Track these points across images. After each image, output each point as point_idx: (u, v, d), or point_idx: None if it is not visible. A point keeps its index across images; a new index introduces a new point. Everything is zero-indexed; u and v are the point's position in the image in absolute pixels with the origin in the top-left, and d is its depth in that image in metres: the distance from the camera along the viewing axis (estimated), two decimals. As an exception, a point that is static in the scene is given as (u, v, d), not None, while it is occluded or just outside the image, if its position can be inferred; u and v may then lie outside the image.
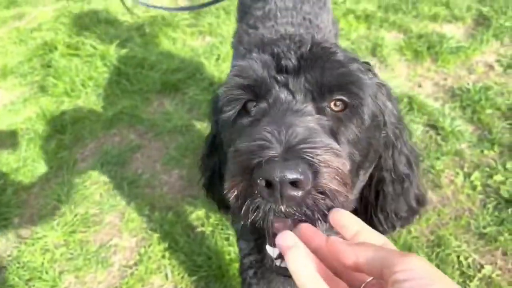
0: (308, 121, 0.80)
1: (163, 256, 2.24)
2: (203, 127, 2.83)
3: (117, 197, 2.54)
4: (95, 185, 2.63)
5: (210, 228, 2.29)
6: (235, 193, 0.72)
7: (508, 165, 2.35)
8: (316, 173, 0.69)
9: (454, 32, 3.29)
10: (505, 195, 2.22)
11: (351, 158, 0.88)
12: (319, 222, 0.71)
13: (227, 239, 2.23)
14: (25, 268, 2.29)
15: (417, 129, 2.59)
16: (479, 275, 1.99)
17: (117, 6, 4.10)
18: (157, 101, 3.11)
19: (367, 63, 1.02)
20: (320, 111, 0.87)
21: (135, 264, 2.24)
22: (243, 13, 1.79)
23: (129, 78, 3.25)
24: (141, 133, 2.91)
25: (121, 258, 2.28)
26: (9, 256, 2.35)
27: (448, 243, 2.09)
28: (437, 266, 2.02)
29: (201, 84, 3.12)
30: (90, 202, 2.55)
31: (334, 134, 0.85)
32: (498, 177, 2.31)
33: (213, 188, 1.22)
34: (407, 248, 2.09)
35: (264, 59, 0.89)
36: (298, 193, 0.68)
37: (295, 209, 0.69)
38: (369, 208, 1.11)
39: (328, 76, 0.87)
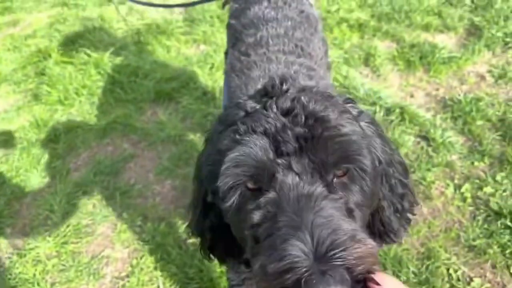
0: (324, 210, 0.80)
1: (155, 268, 2.24)
2: (196, 137, 2.84)
3: (110, 208, 2.55)
4: (87, 195, 2.63)
5: (202, 240, 2.30)
6: None
7: (498, 177, 2.38)
8: (353, 271, 0.71)
9: (446, 42, 3.31)
10: (495, 207, 2.24)
11: (364, 216, 0.91)
12: None
13: (219, 250, 2.24)
14: (16, 280, 2.29)
15: (409, 140, 2.61)
16: (468, 288, 2.01)
17: (112, 13, 4.11)
18: (151, 110, 3.12)
19: (349, 99, 1.04)
20: (329, 186, 0.86)
21: (127, 275, 2.25)
22: (235, 39, 1.80)
23: (123, 87, 3.26)
24: (134, 143, 2.92)
25: (113, 270, 2.29)
26: (0, 267, 2.35)
27: (438, 255, 2.10)
28: (427, 279, 2.04)
29: (195, 94, 3.13)
30: (82, 213, 2.55)
31: (349, 210, 0.87)
32: (488, 189, 2.33)
33: (216, 248, 1.17)
34: (398, 261, 2.10)
35: (262, 145, 0.86)
36: None
37: None
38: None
39: (331, 153, 0.86)
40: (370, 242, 0.77)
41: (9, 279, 2.29)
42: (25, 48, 3.87)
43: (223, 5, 2.36)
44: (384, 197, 1.05)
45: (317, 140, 0.86)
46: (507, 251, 2.08)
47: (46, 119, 3.14)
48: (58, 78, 3.38)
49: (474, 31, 3.37)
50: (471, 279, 2.04)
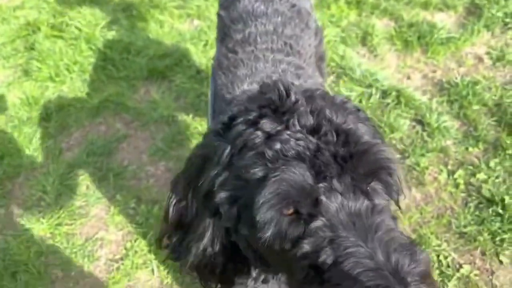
0: (380, 225, 0.83)
1: (149, 251, 2.26)
2: (189, 118, 2.80)
3: (103, 189, 2.54)
4: (81, 176, 2.62)
5: (196, 223, 2.31)
6: None
7: (492, 164, 2.38)
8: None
9: (446, 21, 3.25)
10: (487, 194, 2.26)
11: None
12: None
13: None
14: (11, 261, 2.30)
15: (404, 124, 2.60)
16: (458, 274, 2.05)
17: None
18: (144, 88, 3.07)
19: (357, 108, 1.03)
20: (367, 195, 0.87)
21: (121, 258, 2.27)
22: (223, 33, 1.74)
23: (115, 64, 3.19)
24: (127, 122, 2.88)
25: (108, 252, 2.31)
26: (-5, 248, 2.36)
27: (429, 242, 2.13)
28: (417, 265, 2.07)
29: (188, 72, 3.07)
30: (76, 194, 2.54)
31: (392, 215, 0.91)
32: (481, 176, 2.34)
33: (226, 272, 1.12)
34: (389, 247, 2.13)
35: (300, 171, 0.83)
36: None
37: None
38: None
39: (367, 166, 0.87)
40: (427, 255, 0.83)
41: (4, 260, 2.30)
42: (14, 20, 3.74)
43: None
44: None
45: (356, 157, 0.85)
46: (497, 239, 2.12)
47: (37, 96, 3.08)
48: (48, 53, 3.29)
49: (474, 10, 3.30)
50: (461, 266, 2.07)
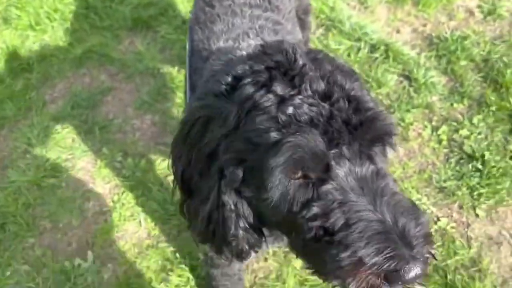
0: (385, 189, 0.88)
1: (137, 203, 2.30)
2: (175, 70, 2.76)
3: (89, 142, 2.54)
4: (66, 129, 2.60)
5: (182, 177, 2.33)
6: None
7: (475, 120, 2.41)
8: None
9: (439, -28, 3.16)
10: (468, 150, 2.30)
11: None
12: None
13: (199, 188, 2.29)
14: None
15: (391, 79, 2.59)
16: (435, 227, 2.13)
17: None
18: (128, 39, 2.98)
19: (353, 70, 1.04)
20: (372, 160, 0.91)
21: (109, 211, 2.30)
22: None
23: (98, 12, 3.08)
24: (111, 74, 2.83)
25: (95, 205, 2.33)
26: (-18, 200, 2.38)
27: (410, 196, 2.18)
28: (397, 218, 2.14)
29: (174, 22, 2.98)
30: (61, 147, 2.54)
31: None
32: (464, 132, 2.37)
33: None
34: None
35: (313, 136, 0.84)
36: None
37: None
38: None
39: (376, 134, 0.90)
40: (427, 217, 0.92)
41: (-8, 212, 2.33)
42: (-11, -38, 3.55)
43: None
44: None
45: (366, 124, 0.88)
46: (475, 193, 2.18)
47: (18, 45, 2.99)
48: (28, 0, 3.16)
49: (468, -39, 3.21)
50: (438, 219, 2.15)
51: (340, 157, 0.87)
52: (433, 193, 2.22)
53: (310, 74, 0.89)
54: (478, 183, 2.20)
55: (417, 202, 2.14)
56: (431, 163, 2.31)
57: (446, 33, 2.78)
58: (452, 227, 2.12)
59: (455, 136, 2.38)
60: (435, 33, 2.81)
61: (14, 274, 2.13)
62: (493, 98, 2.45)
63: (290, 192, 0.89)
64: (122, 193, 2.33)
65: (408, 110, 2.47)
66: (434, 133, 2.40)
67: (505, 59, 2.62)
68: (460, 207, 2.17)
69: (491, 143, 2.31)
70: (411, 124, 2.43)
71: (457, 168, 2.27)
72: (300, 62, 0.90)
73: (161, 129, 2.55)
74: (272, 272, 2.03)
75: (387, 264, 0.80)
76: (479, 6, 2.94)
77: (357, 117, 0.87)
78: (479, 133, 2.36)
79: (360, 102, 0.89)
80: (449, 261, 2.00)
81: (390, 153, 1.06)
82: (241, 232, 1.01)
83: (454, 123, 2.42)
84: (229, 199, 0.97)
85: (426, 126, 2.43)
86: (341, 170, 0.87)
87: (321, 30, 2.88)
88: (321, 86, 0.88)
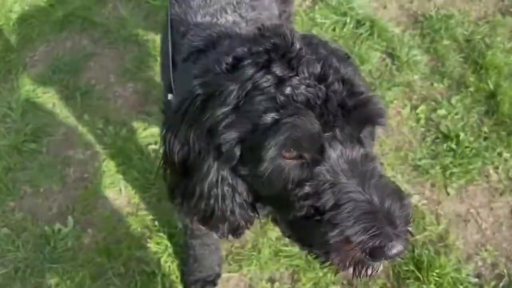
0: (374, 172, 0.92)
1: (117, 171, 2.32)
2: (159, 38, 2.72)
3: (70, 108, 2.52)
4: (47, 93, 2.58)
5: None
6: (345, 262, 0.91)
7: (453, 100, 2.46)
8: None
9: None
10: (444, 130, 2.36)
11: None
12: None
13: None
14: (-22, 176, 2.33)
15: (374, 56, 2.61)
16: (407, 203, 2.20)
17: None
18: (111, 3, 2.92)
19: (346, 54, 1.06)
20: (361, 143, 0.95)
21: (90, 177, 2.32)
22: None
23: (81, -27, 2.99)
24: (94, 39, 2.79)
25: (76, 171, 2.35)
26: (-39, 163, 2.37)
27: (385, 173, 2.25)
28: (371, 194, 2.21)
29: (159, -12, 2.92)
30: (42, 111, 2.52)
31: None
32: (442, 112, 2.42)
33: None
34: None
35: (309, 118, 0.88)
36: None
37: None
38: None
39: (367, 117, 0.94)
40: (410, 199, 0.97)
41: (-29, 175, 2.33)
42: None
43: None
44: None
45: (359, 108, 0.91)
46: (448, 172, 2.25)
47: (-3, 5, 2.91)
48: (7, -43, 3.05)
49: None
50: (411, 196, 2.22)
51: (333, 140, 0.91)
52: (408, 170, 2.29)
53: (306, 57, 0.92)
54: (451, 163, 2.27)
55: (391, 179, 2.23)
56: (408, 142, 2.37)
57: (431, 11, 2.78)
58: (423, 204, 2.20)
59: (433, 115, 2.43)
60: (421, 10, 2.82)
61: (-6, 237, 2.17)
62: (472, 79, 2.50)
63: (285, 171, 0.93)
64: (103, 161, 2.35)
65: (389, 88, 2.50)
66: (413, 112, 2.45)
67: (487, 40, 2.65)
68: (433, 185, 2.25)
69: (466, 124, 2.37)
70: (391, 102, 2.47)
71: (432, 147, 2.33)
72: (297, 45, 0.93)
73: (144, 98, 2.55)
74: (248, 242, 2.10)
75: (372, 242, 0.86)
76: (466, -15, 2.94)
77: (351, 100, 0.91)
78: (456, 114, 2.41)
79: (354, 86, 0.93)
80: (418, 237, 2.09)
81: (382, 132, 1.13)
82: (237, 208, 1.05)
83: (433, 103, 2.46)
84: (228, 175, 1.01)
85: (405, 105, 2.47)
86: (334, 153, 0.91)
87: (307, 3, 2.86)
88: (317, 68, 0.92)
